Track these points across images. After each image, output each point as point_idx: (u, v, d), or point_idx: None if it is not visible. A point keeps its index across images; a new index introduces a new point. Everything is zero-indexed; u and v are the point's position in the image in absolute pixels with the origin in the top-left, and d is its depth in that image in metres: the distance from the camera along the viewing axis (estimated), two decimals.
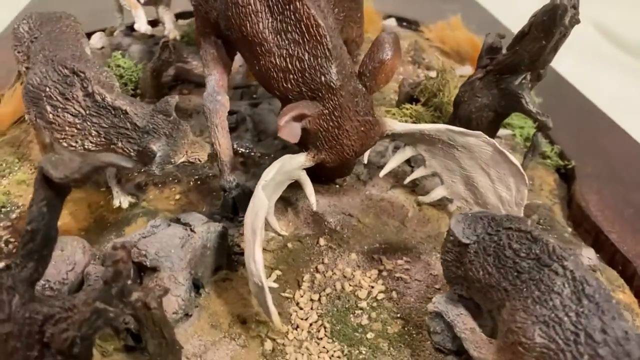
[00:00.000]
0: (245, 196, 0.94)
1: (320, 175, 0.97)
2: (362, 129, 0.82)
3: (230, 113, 1.16)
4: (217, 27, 0.89)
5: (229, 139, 0.93)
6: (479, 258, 0.69)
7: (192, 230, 0.84)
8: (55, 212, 0.68)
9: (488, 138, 0.88)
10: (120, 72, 1.24)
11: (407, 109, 1.15)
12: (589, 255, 0.95)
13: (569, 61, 1.55)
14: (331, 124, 0.80)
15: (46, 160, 0.64)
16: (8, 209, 0.98)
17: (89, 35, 1.23)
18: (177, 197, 1.02)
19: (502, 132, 1.24)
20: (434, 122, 1.15)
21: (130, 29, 1.47)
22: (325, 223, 0.95)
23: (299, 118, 0.78)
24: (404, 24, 1.81)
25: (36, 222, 0.66)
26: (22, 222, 0.95)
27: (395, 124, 0.88)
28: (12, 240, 0.92)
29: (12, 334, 0.62)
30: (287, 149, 1.09)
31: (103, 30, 1.50)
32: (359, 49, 1.08)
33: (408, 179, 0.98)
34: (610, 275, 0.95)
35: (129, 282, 0.63)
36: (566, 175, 1.22)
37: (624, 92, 1.61)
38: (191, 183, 1.06)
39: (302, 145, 0.85)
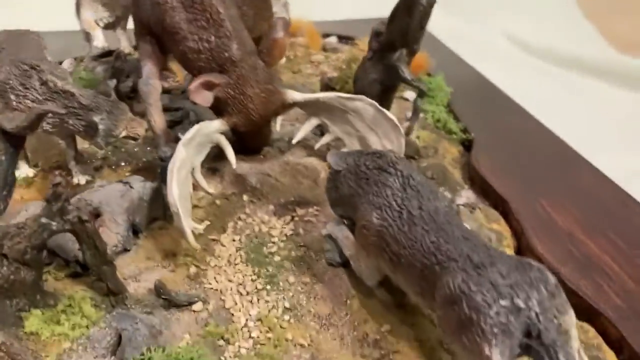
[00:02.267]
0: None
1: (244, 147, 1.16)
2: (263, 95, 1.03)
3: (176, 109, 1.37)
4: (149, 27, 1.10)
5: (162, 116, 1.13)
6: (346, 179, 0.88)
7: (130, 187, 1.03)
8: (12, 160, 0.87)
9: (369, 100, 1.08)
10: (83, 83, 1.44)
11: None
12: (467, 195, 1.13)
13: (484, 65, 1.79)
14: (236, 91, 1.00)
15: (1, 117, 0.84)
16: None
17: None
18: (127, 174, 1.21)
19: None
20: None
21: (98, 57, 1.68)
22: (247, 182, 1.14)
23: (208, 86, 0.99)
24: (343, 40, 2.04)
25: None
26: None
27: (295, 94, 1.08)
28: None
29: None
30: None
31: (75, 58, 1.71)
32: None
33: (317, 145, 1.17)
34: (489, 212, 1.14)
35: (67, 203, 0.82)
36: (469, 147, 1.41)
37: (527, 83, 1.84)
38: (140, 164, 1.25)
39: (218, 113, 1.05)
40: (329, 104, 1.09)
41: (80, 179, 1.18)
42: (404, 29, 1.08)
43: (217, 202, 1.11)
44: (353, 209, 0.86)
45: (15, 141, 0.86)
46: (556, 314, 0.64)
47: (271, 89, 1.03)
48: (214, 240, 1.03)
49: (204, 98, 0.98)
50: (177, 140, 1.24)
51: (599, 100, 1.88)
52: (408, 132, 1.23)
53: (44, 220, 0.80)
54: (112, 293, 0.87)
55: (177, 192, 0.90)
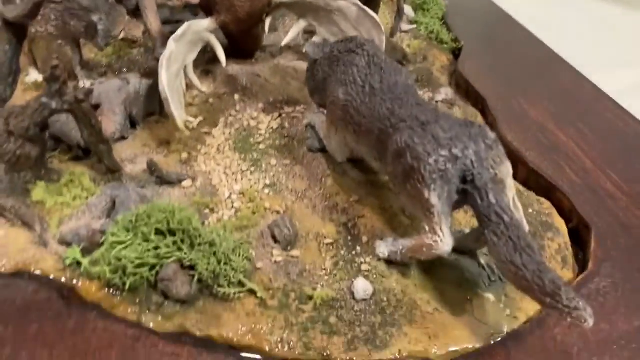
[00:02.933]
0: None
1: (237, 50, 1.23)
2: None
3: (177, 22, 1.43)
4: None
5: (157, 18, 1.19)
6: (321, 66, 0.95)
7: (127, 82, 1.11)
8: (16, 50, 0.95)
9: (353, 0, 1.13)
10: None
11: None
12: (446, 92, 1.19)
13: None
14: None
15: (3, 9, 0.92)
16: None
17: None
18: None
19: (409, 27, 1.48)
20: None
21: None
22: (239, 82, 1.21)
23: None
24: None
25: (1, 57, 0.94)
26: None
27: None
28: None
29: None
30: None
31: None
32: None
33: (305, 48, 1.24)
34: (467, 110, 1.20)
35: (65, 85, 0.90)
36: (458, 56, 1.46)
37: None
38: (141, 71, 1.32)
39: (208, 13, 1.12)
40: (314, 4, 1.15)
41: (85, 82, 1.26)
42: None
43: (210, 100, 1.19)
44: (325, 90, 0.93)
45: (18, 31, 0.94)
46: (492, 165, 0.70)
47: None
48: (206, 133, 1.11)
49: None
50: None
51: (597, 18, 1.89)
52: (392, 34, 1.28)
53: (44, 99, 0.89)
54: (110, 171, 0.97)
55: (167, 79, 0.98)
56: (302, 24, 1.20)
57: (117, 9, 1.13)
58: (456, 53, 1.46)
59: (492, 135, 0.73)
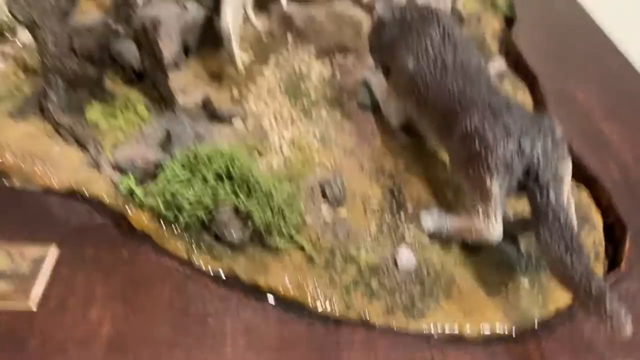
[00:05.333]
0: None
1: None
2: None
3: None
4: None
5: None
6: (390, 27, 0.93)
7: (185, 8, 1.09)
8: None
9: None
10: None
11: None
12: (499, 63, 1.19)
13: None
14: None
15: None
16: None
17: None
18: None
19: None
20: None
21: None
22: (294, 23, 1.19)
23: None
24: None
25: None
26: None
27: None
28: None
29: (51, 40, 0.89)
30: None
31: None
32: None
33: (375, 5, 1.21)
34: (516, 83, 1.19)
35: (133, 11, 0.89)
36: (511, 24, 1.43)
37: None
38: None
39: None
40: None
41: None
42: None
43: (263, 37, 1.18)
44: (391, 54, 0.92)
45: None
46: (555, 161, 0.72)
47: None
48: (256, 70, 1.11)
49: None
50: None
51: None
52: None
53: (111, 24, 0.88)
54: (163, 99, 0.97)
55: (232, 16, 0.97)
56: None
57: None
58: (508, 20, 1.44)
59: (559, 131, 0.74)
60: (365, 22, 1.24)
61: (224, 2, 0.97)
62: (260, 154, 0.94)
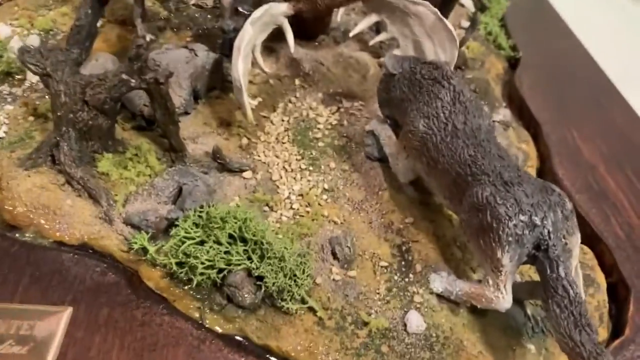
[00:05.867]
0: None
1: (303, 31, 1.21)
2: None
3: None
4: None
5: None
6: (399, 83, 0.95)
7: (195, 54, 1.10)
8: (96, 14, 0.94)
9: (432, 8, 1.11)
10: None
11: None
12: (504, 113, 1.20)
13: None
14: None
15: None
16: (54, 32, 1.24)
17: None
18: (188, 39, 1.28)
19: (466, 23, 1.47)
20: None
21: None
22: (301, 67, 1.20)
23: None
24: None
25: (82, 20, 0.93)
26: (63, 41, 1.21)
27: None
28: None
29: (64, 91, 0.89)
30: None
31: None
32: None
33: (372, 42, 1.22)
34: (520, 132, 1.21)
35: (146, 64, 0.90)
36: (515, 66, 1.45)
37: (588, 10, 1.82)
38: (200, 31, 1.31)
39: None
40: (393, 4, 1.13)
41: (145, 35, 1.24)
42: None
43: (271, 81, 1.19)
44: (401, 112, 0.94)
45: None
46: (565, 235, 0.73)
47: None
48: (264, 117, 1.12)
49: None
50: (237, 11, 1.29)
51: None
52: (462, 44, 1.27)
53: (124, 76, 0.89)
54: (174, 150, 0.98)
55: (243, 69, 0.98)
56: (373, 18, 1.18)
57: None
58: (512, 62, 1.46)
59: (569, 205, 0.75)
60: (372, 66, 1.26)
61: (237, 54, 0.98)
62: (271, 208, 0.94)
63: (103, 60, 1.09)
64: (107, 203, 0.88)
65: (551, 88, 1.34)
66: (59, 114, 0.90)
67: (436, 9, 1.11)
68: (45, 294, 0.77)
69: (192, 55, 1.10)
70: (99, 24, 1.23)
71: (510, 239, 0.72)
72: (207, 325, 0.78)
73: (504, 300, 0.75)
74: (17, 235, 0.85)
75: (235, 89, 1.01)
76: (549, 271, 0.72)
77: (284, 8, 1.09)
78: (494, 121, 1.16)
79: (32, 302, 0.76)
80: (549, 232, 0.72)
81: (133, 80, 0.89)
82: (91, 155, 0.93)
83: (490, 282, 0.75)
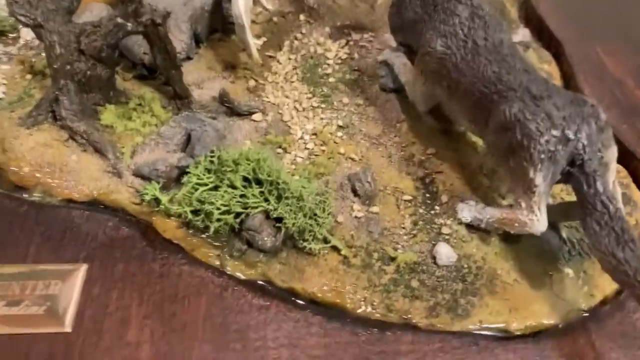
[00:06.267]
0: None
1: None
2: None
3: None
4: None
5: None
6: (412, 4, 0.88)
7: None
8: None
9: None
10: None
11: None
12: (524, 33, 1.13)
13: None
14: None
15: None
16: None
17: None
18: None
19: None
20: None
21: None
22: (305, 2, 1.14)
23: None
24: None
25: None
26: None
27: None
28: None
29: (58, 42, 0.84)
30: None
31: None
32: None
33: None
34: (541, 52, 1.14)
35: (141, 5, 0.84)
36: None
37: None
38: None
39: None
40: None
41: None
42: None
43: (274, 19, 1.13)
44: (416, 35, 0.88)
45: None
46: (601, 148, 0.68)
47: None
48: (270, 57, 1.06)
49: None
50: None
51: None
52: None
53: (119, 20, 0.84)
54: (178, 97, 0.93)
55: (244, 4, 0.92)
56: None
57: None
58: None
59: (603, 116, 0.70)
60: None
61: None
62: (284, 150, 0.90)
63: (98, 12, 1.04)
64: (114, 156, 0.85)
65: (570, 3, 1.26)
66: (55, 66, 0.86)
67: None
68: (58, 252, 0.75)
69: None
70: None
71: (542, 156, 0.67)
72: (228, 272, 0.75)
73: (539, 223, 0.70)
74: (24, 195, 0.82)
75: (237, 28, 0.95)
76: (585, 187, 0.67)
77: None
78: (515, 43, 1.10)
79: (45, 262, 0.73)
80: (583, 145, 0.67)
81: (129, 24, 0.84)
82: (93, 107, 0.89)
83: (523, 204, 0.71)
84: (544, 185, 0.69)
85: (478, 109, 0.76)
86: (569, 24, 1.20)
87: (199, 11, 1.03)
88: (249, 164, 0.76)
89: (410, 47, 0.92)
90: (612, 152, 0.70)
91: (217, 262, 0.76)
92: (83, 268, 0.73)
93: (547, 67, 1.11)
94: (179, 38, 1.00)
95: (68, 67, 0.86)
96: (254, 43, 1.00)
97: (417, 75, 0.88)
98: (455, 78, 0.79)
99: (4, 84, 0.97)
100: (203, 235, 0.78)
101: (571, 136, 0.67)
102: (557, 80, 1.09)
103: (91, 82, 0.88)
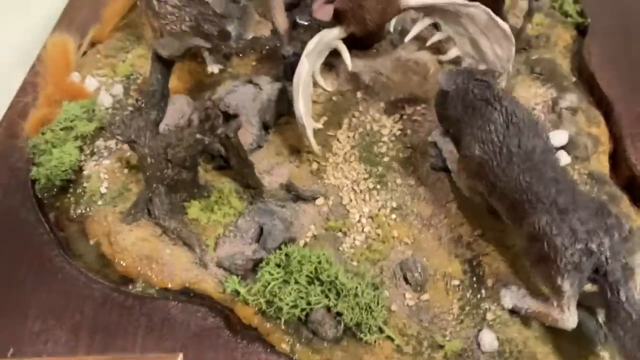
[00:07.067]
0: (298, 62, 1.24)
1: (359, 43, 1.25)
2: (380, 6, 1.09)
3: None
4: None
5: (285, 16, 1.21)
6: (454, 101, 0.97)
7: (260, 89, 1.17)
8: (166, 78, 1.03)
9: (484, 7, 1.11)
10: None
11: None
12: (571, 99, 1.18)
13: None
14: (355, 3, 1.07)
15: (156, 43, 0.98)
16: (135, 76, 1.35)
17: None
18: (253, 63, 1.35)
19: None
20: None
21: None
22: (361, 80, 1.25)
23: (330, 1, 1.06)
24: None
25: (154, 85, 1.02)
26: (145, 85, 1.32)
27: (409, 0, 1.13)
28: (140, 99, 1.30)
29: (149, 154, 1.00)
30: None
31: None
32: None
33: (429, 42, 1.23)
34: (590, 113, 1.18)
35: (216, 122, 0.98)
36: (584, 33, 1.40)
37: None
38: (263, 52, 1.37)
39: (336, 21, 1.13)
40: (444, 8, 1.14)
41: (213, 68, 1.33)
42: None
43: (334, 98, 1.24)
44: (458, 131, 0.96)
45: (168, 63, 1.01)
46: (625, 255, 0.75)
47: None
48: (331, 136, 1.18)
49: (326, 13, 1.06)
50: (295, 24, 1.34)
51: None
52: (520, 32, 1.25)
53: (199, 136, 0.98)
54: (251, 187, 1.07)
55: (304, 107, 1.04)
56: (426, 22, 1.19)
57: (247, 12, 1.16)
58: (580, 29, 1.40)
59: (627, 226, 0.77)
60: (432, 64, 1.27)
61: (297, 93, 1.04)
62: (344, 233, 1.02)
63: (180, 104, 1.19)
64: (200, 249, 1.00)
65: (624, 57, 1.29)
66: (147, 173, 1.02)
67: (488, 9, 1.10)
68: (159, 342, 0.90)
69: (257, 90, 1.17)
70: None
71: (568, 267, 0.75)
72: (295, 358, 0.88)
73: (569, 321, 0.79)
74: (130, 287, 0.99)
75: (299, 126, 1.07)
76: (609, 294, 0.75)
77: (336, 33, 1.13)
78: (561, 108, 1.16)
79: (149, 351, 0.89)
80: (606, 257, 0.75)
81: (206, 139, 0.99)
82: (181, 204, 1.05)
83: (555, 304, 0.79)
84: (572, 290, 0.77)
85: (513, 212, 0.85)
86: (621, 81, 1.24)
87: (266, 103, 1.16)
88: (311, 265, 0.88)
89: (455, 137, 1.01)
90: (637, 259, 0.77)
91: (288, 348, 0.89)
92: (179, 358, 0.88)
93: (595, 131, 1.16)
94: (250, 131, 1.14)
95: (158, 174, 1.01)
96: (314, 126, 1.12)
97: (461, 170, 0.97)
98: (493, 181, 0.87)
99: (106, 179, 1.14)
100: (276, 322, 0.91)
101: (594, 249, 0.75)
102: (605, 145, 1.14)
103: (178, 184, 1.03)
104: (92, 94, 1.30)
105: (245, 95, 1.15)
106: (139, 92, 1.32)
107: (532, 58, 1.30)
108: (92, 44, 1.46)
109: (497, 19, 1.10)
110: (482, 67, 1.12)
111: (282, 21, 1.22)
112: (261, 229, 1.00)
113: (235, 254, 0.98)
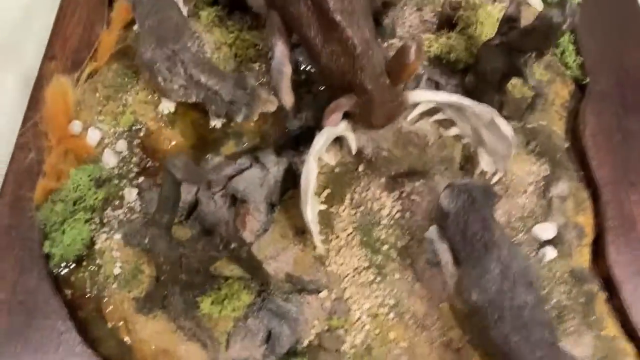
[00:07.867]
0: (304, 133, 1.26)
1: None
2: (388, 111, 1.10)
3: None
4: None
5: (291, 95, 1.21)
6: (453, 225, 1.03)
7: (267, 170, 1.20)
8: (177, 189, 1.06)
9: (490, 108, 1.13)
10: None
11: (441, 37, 1.36)
12: (562, 188, 1.24)
13: None
14: (364, 109, 1.08)
15: (171, 164, 1.00)
16: (137, 127, 1.35)
17: None
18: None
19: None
20: (466, 49, 1.35)
21: None
22: (363, 154, 1.28)
23: (338, 109, 1.07)
24: None
25: (167, 192, 1.05)
26: (149, 140, 1.33)
27: (416, 96, 1.14)
28: (145, 157, 1.31)
29: (162, 262, 1.06)
30: None
31: None
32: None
33: (432, 119, 1.25)
34: (579, 197, 1.25)
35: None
36: (582, 88, 1.41)
37: None
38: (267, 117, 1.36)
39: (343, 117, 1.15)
40: (450, 104, 1.15)
41: (216, 122, 1.34)
42: (538, 47, 1.07)
43: (337, 169, 1.28)
44: (455, 257, 1.03)
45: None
46: None
47: (396, 105, 1.10)
48: (333, 212, 1.23)
49: (334, 121, 1.08)
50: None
51: None
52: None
53: (212, 253, 1.04)
54: (258, 280, 1.15)
55: (312, 214, 1.09)
56: (430, 104, 1.21)
57: (256, 97, 1.16)
58: (579, 84, 1.42)
59: None
60: (431, 134, 1.30)
61: (305, 199, 1.08)
62: (346, 332, 1.12)
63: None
64: (213, 348, 1.09)
65: (618, 132, 1.32)
66: (162, 278, 1.08)
67: (494, 110, 1.13)
68: None
69: (264, 173, 1.20)
70: (172, 109, 1.34)
71: None
72: None
73: None
74: None
75: (307, 227, 1.12)
76: None
77: (342, 128, 1.15)
78: (551, 197, 1.22)
79: None
80: None
81: (221, 254, 1.05)
82: (194, 300, 1.12)
83: None
84: None
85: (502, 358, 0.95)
86: (612, 160, 1.28)
87: (273, 186, 1.20)
88: None
89: (454, 254, 1.08)
90: None
91: None
92: None
93: (581, 219, 1.23)
94: (258, 219, 1.19)
95: (173, 277, 1.08)
96: (319, 207, 1.18)
97: (457, 296, 1.05)
98: (485, 325, 0.96)
99: (118, 257, 1.19)
100: None
101: None
102: (588, 237, 1.21)
103: (192, 285, 1.10)
104: (95, 150, 1.31)
105: (252, 180, 1.19)
106: (143, 148, 1.32)
107: (528, 127, 1.33)
108: (88, 76, 1.44)
109: (502, 121, 1.13)
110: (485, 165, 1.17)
111: (288, 100, 1.23)
112: (269, 332, 1.10)
113: (247, 358, 1.08)
